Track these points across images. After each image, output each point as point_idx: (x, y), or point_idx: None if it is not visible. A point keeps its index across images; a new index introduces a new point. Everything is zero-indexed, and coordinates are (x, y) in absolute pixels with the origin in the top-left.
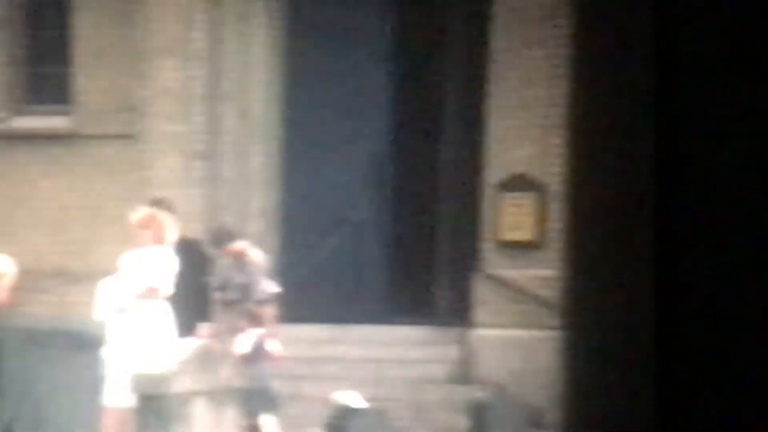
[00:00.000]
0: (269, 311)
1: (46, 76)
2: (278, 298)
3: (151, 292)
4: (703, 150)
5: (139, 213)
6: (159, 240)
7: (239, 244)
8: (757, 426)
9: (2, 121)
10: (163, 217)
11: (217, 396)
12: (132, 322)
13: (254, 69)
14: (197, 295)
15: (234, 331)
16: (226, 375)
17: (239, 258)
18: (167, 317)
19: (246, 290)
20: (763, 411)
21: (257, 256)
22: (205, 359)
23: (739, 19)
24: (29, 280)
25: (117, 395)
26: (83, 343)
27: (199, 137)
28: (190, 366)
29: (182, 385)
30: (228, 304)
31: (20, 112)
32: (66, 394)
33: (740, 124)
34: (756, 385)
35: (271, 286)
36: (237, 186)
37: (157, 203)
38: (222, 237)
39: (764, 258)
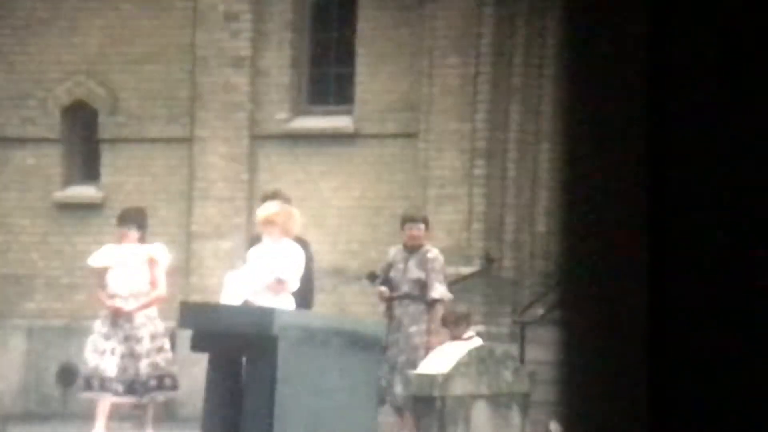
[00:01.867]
0: (439, 313)
1: (329, 76)
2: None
3: (279, 286)
4: (698, 149)
5: (267, 208)
6: (287, 233)
7: (419, 232)
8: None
9: (285, 122)
10: (291, 210)
11: (499, 400)
12: None
13: (546, 63)
14: (300, 296)
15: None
16: (509, 379)
17: (417, 253)
18: None
19: (421, 287)
20: (757, 411)
21: (436, 254)
22: (487, 362)
23: (736, 27)
24: None
25: None
26: (360, 343)
27: (483, 135)
28: (471, 368)
29: (462, 387)
30: (398, 300)
31: (302, 113)
32: (341, 393)
33: (736, 128)
34: (749, 389)
35: (443, 289)
36: (522, 185)
37: (274, 196)
38: (407, 218)
39: (759, 257)
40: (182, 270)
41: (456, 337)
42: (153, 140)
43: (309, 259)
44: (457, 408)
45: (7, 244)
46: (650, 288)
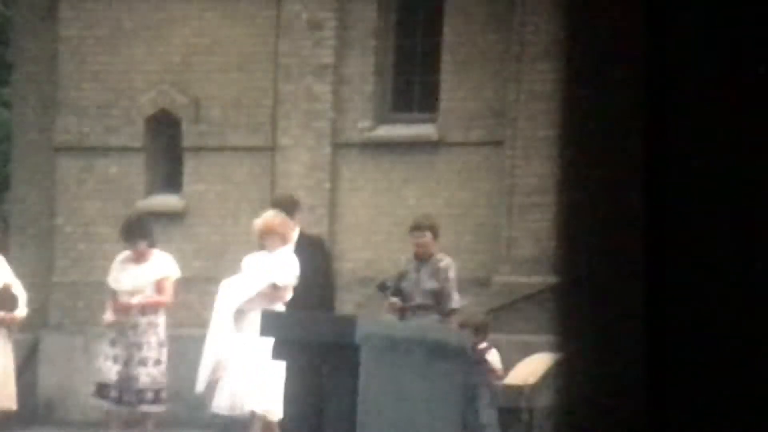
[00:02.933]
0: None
1: (413, 83)
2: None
3: (274, 293)
4: (697, 155)
5: (263, 220)
6: (285, 241)
7: (425, 240)
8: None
9: (368, 130)
10: (285, 219)
11: None
12: (250, 325)
13: None
14: (320, 294)
15: None
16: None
17: (429, 262)
18: None
19: (436, 297)
20: (757, 411)
21: (449, 263)
22: None
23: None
24: None
25: (228, 402)
26: (444, 353)
27: None
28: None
29: (550, 399)
30: (411, 310)
31: (386, 120)
32: (425, 404)
33: (734, 129)
34: (748, 391)
35: (458, 299)
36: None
37: (282, 202)
38: (413, 226)
39: (758, 263)
40: None
41: (473, 348)
42: (235, 149)
43: (327, 258)
44: (545, 420)
45: (91, 252)
46: (648, 288)
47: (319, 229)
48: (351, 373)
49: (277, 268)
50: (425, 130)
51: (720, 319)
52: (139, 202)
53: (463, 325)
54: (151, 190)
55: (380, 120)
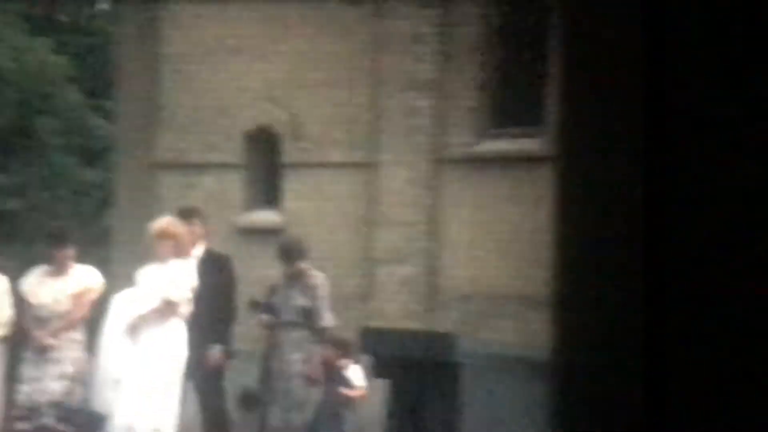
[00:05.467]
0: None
1: (517, 97)
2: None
3: (167, 309)
4: (697, 159)
5: (158, 223)
6: (180, 253)
7: (304, 264)
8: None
9: (470, 145)
10: (183, 228)
11: None
12: (144, 341)
13: None
14: (219, 315)
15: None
16: None
17: (300, 279)
18: (181, 338)
19: (307, 315)
20: (754, 412)
21: (321, 279)
22: None
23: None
24: (491, 306)
25: (125, 420)
26: (544, 371)
27: None
28: None
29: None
30: (281, 327)
31: (488, 136)
32: (527, 424)
33: (734, 129)
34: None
35: (330, 317)
36: None
37: (185, 213)
38: (292, 252)
39: (757, 266)
40: (361, 295)
41: (329, 364)
42: (335, 165)
43: (230, 278)
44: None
45: None
46: (646, 290)
47: (419, 245)
48: (452, 391)
49: (171, 282)
50: (529, 144)
51: (719, 321)
52: (238, 218)
53: (324, 342)
54: (250, 206)
55: (482, 135)
